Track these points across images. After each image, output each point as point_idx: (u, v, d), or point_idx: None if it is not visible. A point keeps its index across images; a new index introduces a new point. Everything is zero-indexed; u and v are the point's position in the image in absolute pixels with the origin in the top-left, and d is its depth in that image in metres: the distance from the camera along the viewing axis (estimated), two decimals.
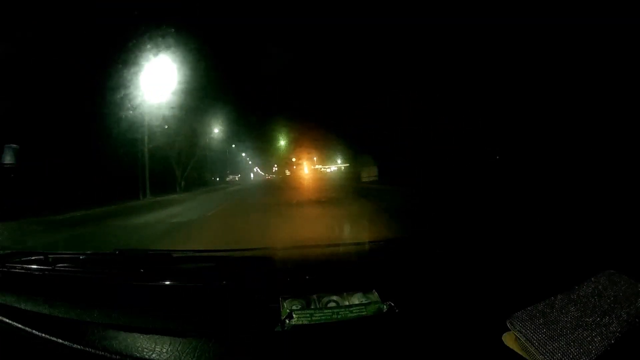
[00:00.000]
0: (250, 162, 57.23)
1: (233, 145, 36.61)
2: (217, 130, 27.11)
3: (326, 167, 39.06)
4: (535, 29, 7.86)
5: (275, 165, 60.40)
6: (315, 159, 37.64)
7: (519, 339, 0.66)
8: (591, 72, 7.06)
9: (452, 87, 11.71)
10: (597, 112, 6.93)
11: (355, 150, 26.45)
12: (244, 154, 46.90)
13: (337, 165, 37.96)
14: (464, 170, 10.58)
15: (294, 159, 40.32)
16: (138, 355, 0.77)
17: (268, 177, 66.95)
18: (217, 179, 40.91)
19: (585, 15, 6.84)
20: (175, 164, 21.82)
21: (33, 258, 1.25)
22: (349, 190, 12.76)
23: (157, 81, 13.75)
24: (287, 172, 41.82)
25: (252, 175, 63.81)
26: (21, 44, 9.60)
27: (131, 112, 13.28)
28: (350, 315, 0.83)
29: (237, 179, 51.22)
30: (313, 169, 38.63)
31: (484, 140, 10.45)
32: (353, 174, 26.55)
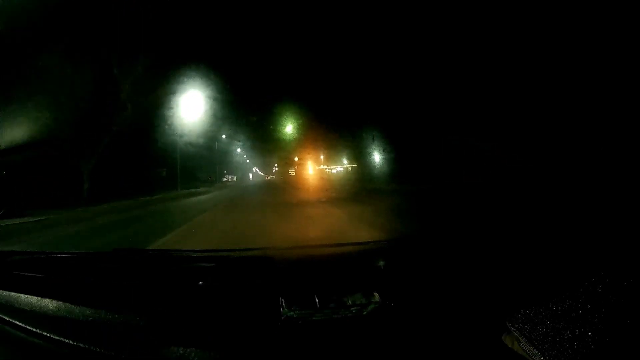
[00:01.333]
0: (248, 161, 53.41)
1: (224, 136, 31.70)
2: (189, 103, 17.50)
3: (331, 167, 35.81)
4: None
5: (276, 165, 57.57)
6: (322, 157, 34.38)
7: (519, 339, 0.67)
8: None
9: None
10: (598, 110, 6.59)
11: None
12: (238, 149, 42.52)
13: (342, 166, 34.69)
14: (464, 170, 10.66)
15: (296, 159, 37.41)
16: (138, 354, 0.79)
17: (267, 177, 64.27)
18: (213, 179, 38.33)
19: None
20: (65, 144, 10.25)
21: (33, 257, 1.29)
22: None
23: None
24: (292, 172, 38.38)
25: (250, 175, 60.94)
26: None
27: None
28: (350, 315, 0.85)
29: (234, 179, 48.31)
30: (318, 169, 35.53)
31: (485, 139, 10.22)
32: (364, 174, 23.47)
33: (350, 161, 32.60)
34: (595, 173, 5.79)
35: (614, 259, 0.85)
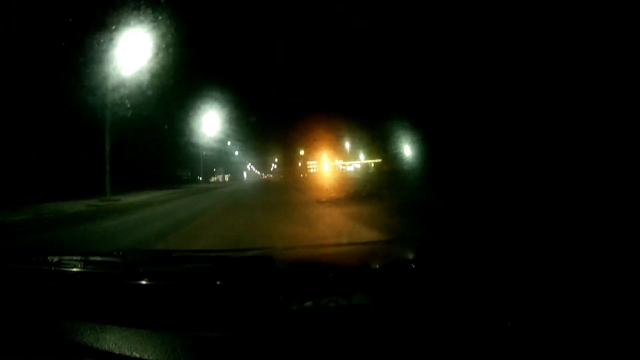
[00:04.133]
0: (237, 153, 44.14)
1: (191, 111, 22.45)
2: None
3: (347, 163, 28.81)
4: None
5: (276, 160, 50.22)
6: (348, 149, 27.15)
7: (518, 338, 0.68)
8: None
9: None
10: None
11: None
12: (218, 135, 32.82)
13: (359, 162, 27.84)
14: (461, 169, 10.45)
15: (302, 152, 30.19)
16: (138, 354, 0.78)
17: (265, 176, 58.08)
18: (200, 178, 31.85)
19: None
20: None
21: (33, 258, 1.25)
22: None
23: None
24: (312, 169, 30.14)
25: (245, 174, 53.83)
26: None
27: None
28: (350, 315, 0.85)
29: (225, 179, 41.35)
30: (333, 165, 28.60)
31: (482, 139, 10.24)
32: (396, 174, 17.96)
33: (370, 156, 25.97)
34: (596, 174, 5.51)
35: (613, 259, 0.88)
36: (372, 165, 25.85)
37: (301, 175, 31.16)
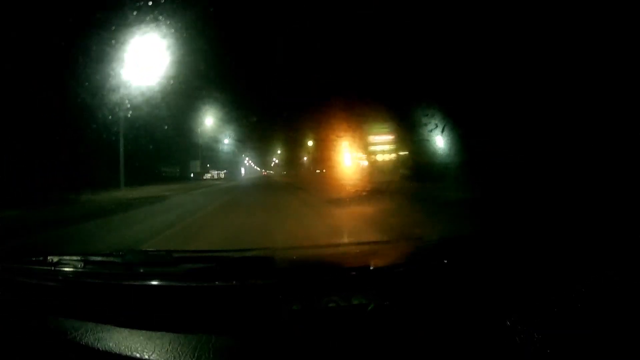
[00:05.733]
0: (227, 141, 38.44)
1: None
2: None
3: (361, 156, 25.33)
4: None
5: (278, 152, 46.01)
6: (379, 138, 23.40)
7: (519, 337, 0.67)
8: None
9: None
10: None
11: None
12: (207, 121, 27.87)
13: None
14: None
15: (310, 143, 26.35)
16: (139, 354, 0.77)
17: (265, 172, 54.76)
18: (192, 174, 28.19)
19: None
20: None
21: (33, 259, 1.26)
22: None
23: None
24: (370, 158, 25.54)
25: (242, 170, 49.97)
26: None
27: None
28: (350, 315, 0.84)
29: (221, 176, 37.50)
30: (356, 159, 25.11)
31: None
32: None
33: (388, 150, 22.61)
34: (597, 173, 5.68)
35: (613, 259, 0.87)
36: (394, 157, 22.50)
37: (317, 171, 27.26)
